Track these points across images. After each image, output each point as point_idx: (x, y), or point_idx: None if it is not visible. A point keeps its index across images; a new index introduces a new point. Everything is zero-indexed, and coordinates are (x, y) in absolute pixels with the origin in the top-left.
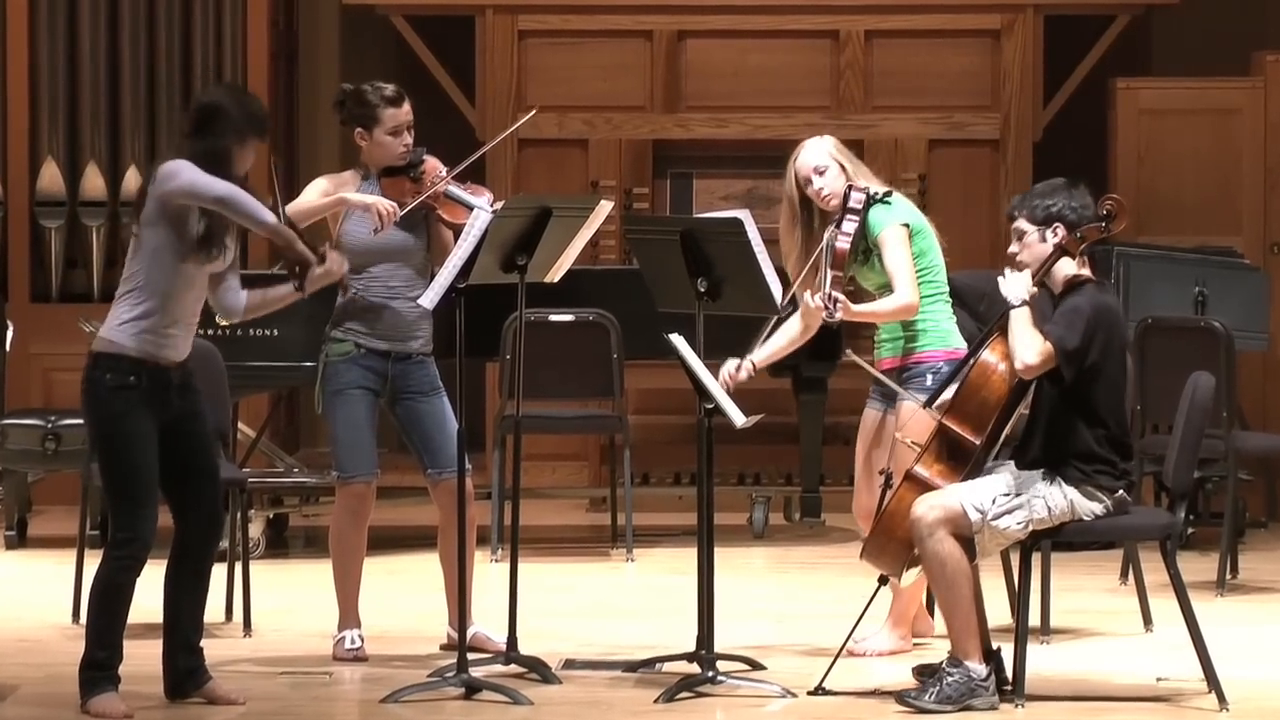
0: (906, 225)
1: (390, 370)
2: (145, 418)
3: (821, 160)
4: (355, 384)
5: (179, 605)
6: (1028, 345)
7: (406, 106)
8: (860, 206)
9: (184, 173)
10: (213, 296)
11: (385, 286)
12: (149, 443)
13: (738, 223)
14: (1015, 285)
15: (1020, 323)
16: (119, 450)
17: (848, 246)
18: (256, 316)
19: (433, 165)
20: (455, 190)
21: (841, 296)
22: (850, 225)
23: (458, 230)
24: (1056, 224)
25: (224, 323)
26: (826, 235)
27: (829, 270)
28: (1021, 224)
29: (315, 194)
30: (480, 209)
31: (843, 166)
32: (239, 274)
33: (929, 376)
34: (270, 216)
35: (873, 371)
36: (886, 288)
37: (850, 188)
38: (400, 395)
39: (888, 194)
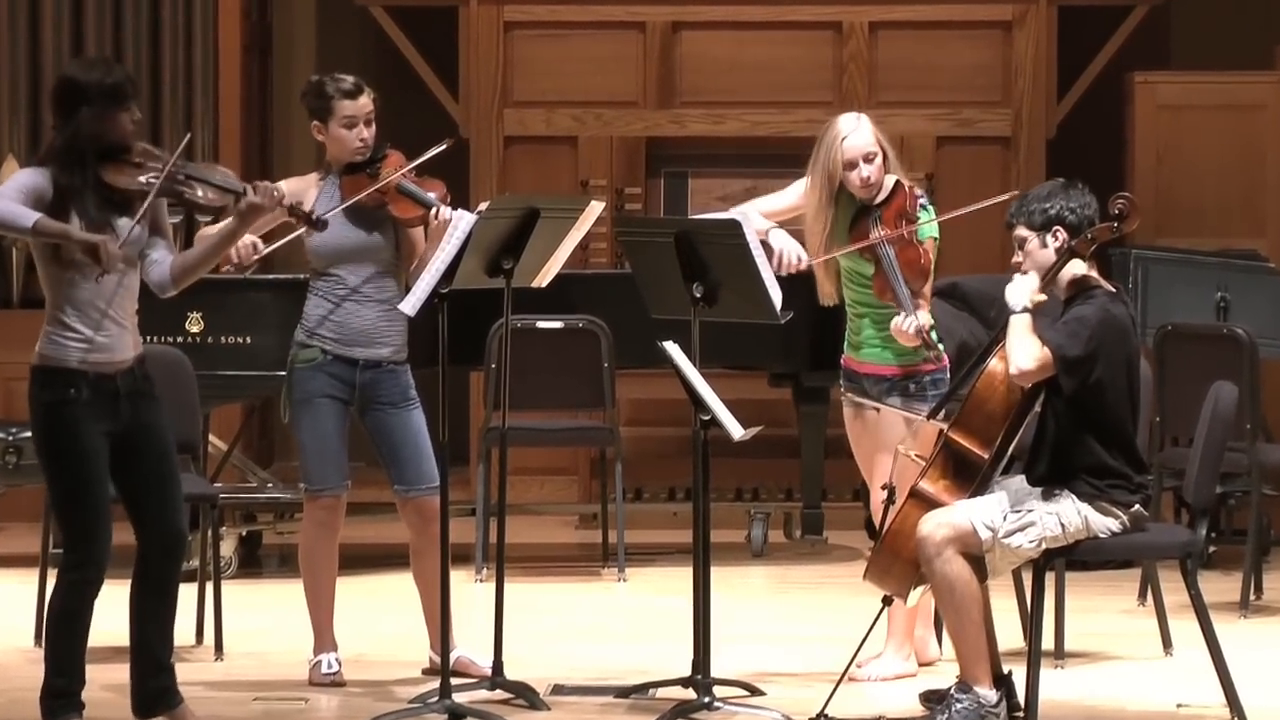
0: (936, 240)
1: (359, 379)
2: (89, 433)
3: (872, 145)
4: (321, 392)
5: (145, 626)
6: (1024, 351)
7: (364, 99)
8: (914, 212)
9: None
10: (145, 276)
11: (350, 289)
12: (95, 459)
13: (735, 224)
14: (1019, 290)
15: (1019, 328)
16: (63, 468)
17: (929, 259)
18: (191, 281)
19: (394, 160)
20: (408, 185)
21: (927, 333)
22: (911, 232)
23: (411, 227)
24: (1056, 227)
25: (163, 297)
26: (880, 240)
27: (905, 288)
28: (1021, 231)
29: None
30: (444, 211)
31: (885, 154)
32: (162, 245)
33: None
34: (24, 216)
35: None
36: (861, 277)
37: (900, 184)
38: (370, 405)
39: (924, 194)
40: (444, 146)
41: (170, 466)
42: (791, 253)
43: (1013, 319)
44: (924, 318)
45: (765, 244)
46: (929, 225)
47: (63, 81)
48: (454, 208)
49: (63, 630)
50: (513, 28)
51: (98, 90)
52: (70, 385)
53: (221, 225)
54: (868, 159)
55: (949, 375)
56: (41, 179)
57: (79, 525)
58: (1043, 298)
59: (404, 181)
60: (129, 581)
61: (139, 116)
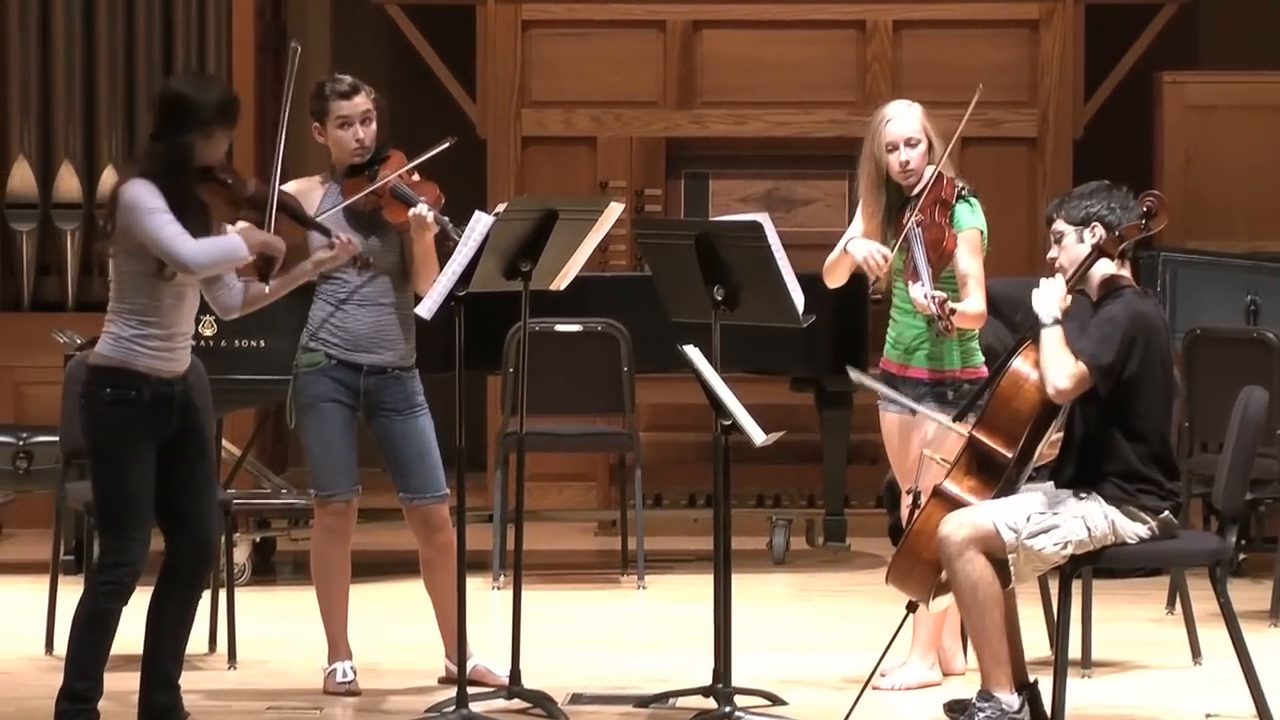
0: (981, 232)
1: (363, 385)
2: (145, 436)
3: (916, 132)
4: (327, 396)
5: (160, 636)
6: (1059, 368)
7: (359, 99)
8: (953, 201)
9: (143, 217)
10: (209, 293)
11: (355, 293)
12: (147, 463)
13: (757, 226)
14: (1047, 300)
15: (1051, 343)
16: (115, 468)
17: (955, 244)
18: (256, 308)
19: (395, 162)
20: (402, 187)
21: (951, 304)
22: (944, 218)
23: (404, 230)
24: (1095, 224)
25: (226, 319)
26: (911, 222)
27: (928, 266)
28: (1060, 225)
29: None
30: (419, 209)
31: (931, 144)
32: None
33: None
34: (243, 250)
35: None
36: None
37: (941, 175)
38: (375, 412)
39: (973, 192)
40: (445, 145)
41: (210, 476)
42: (874, 253)
43: (1044, 334)
44: (938, 293)
45: (848, 256)
46: (969, 217)
47: (174, 97)
48: (472, 210)
49: (89, 634)
50: (531, 26)
51: (209, 110)
52: (133, 387)
53: (297, 268)
54: (909, 144)
55: None
56: (157, 194)
57: (121, 526)
58: (1067, 302)
59: (399, 184)
60: (148, 592)
61: (233, 137)
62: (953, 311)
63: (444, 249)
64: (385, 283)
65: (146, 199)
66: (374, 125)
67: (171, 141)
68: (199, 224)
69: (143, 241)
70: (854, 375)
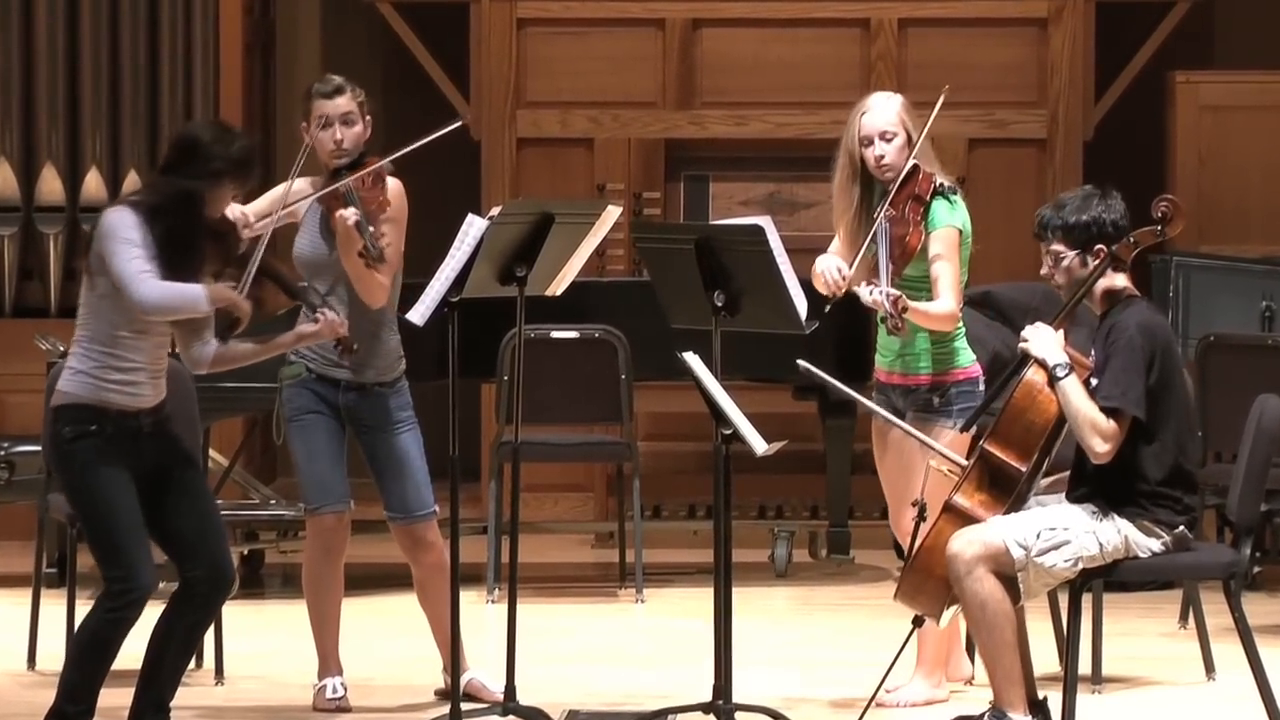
0: (960, 230)
1: (342, 400)
2: (114, 465)
3: (891, 125)
4: (309, 408)
5: (161, 658)
6: (1090, 430)
7: (341, 100)
8: (928, 197)
9: (112, 244)
10: (181, 343)
11: (323, 302)
12: (122, 485)
13: (758, 230)
14: (1047, 347)
15: (1075, 399)
16: (95, 501)
17: (919, 241)
18: (225, 369)
19: (366, 168)
20: (353, 193)
21: (906, 301)
22: (915, 214)
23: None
24: (1098, 246)
25: (194, 372)
26: (881, 217)
27: (889, 262)
28: (1059, 247)
29: (266, 202)
30: (344, 211)
31: (910, 138)
32: (213, 323)
33: (978, 392)
34: (203, 302)
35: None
36: (914, 287)
37: (918, 169)
38: (358, 428)
39: (953, 189)
40: (454, 127)
41: (209, 499)
42: (830, 269)
43: (1060, 389)
44: (891, 290)
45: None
46: (945, 214)
47: (193, 140)
48: (466, 213)
49: (88, 658)
50: (526, 25)
51: (228, 162)
52: (93, 421)
53: (279, 337)
54: (884, 137)
55: (982, 386)
56: (141, 227)
57: (118, 557)
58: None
59: (350, 189)
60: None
61: (239, 193)
62: (904, 310)
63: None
64: (348, 293)
65: (123, 228)
66: (358, 127)
67: (178, 182)
68: (188, 271)
69: (108, 269)
70: (803, 366)
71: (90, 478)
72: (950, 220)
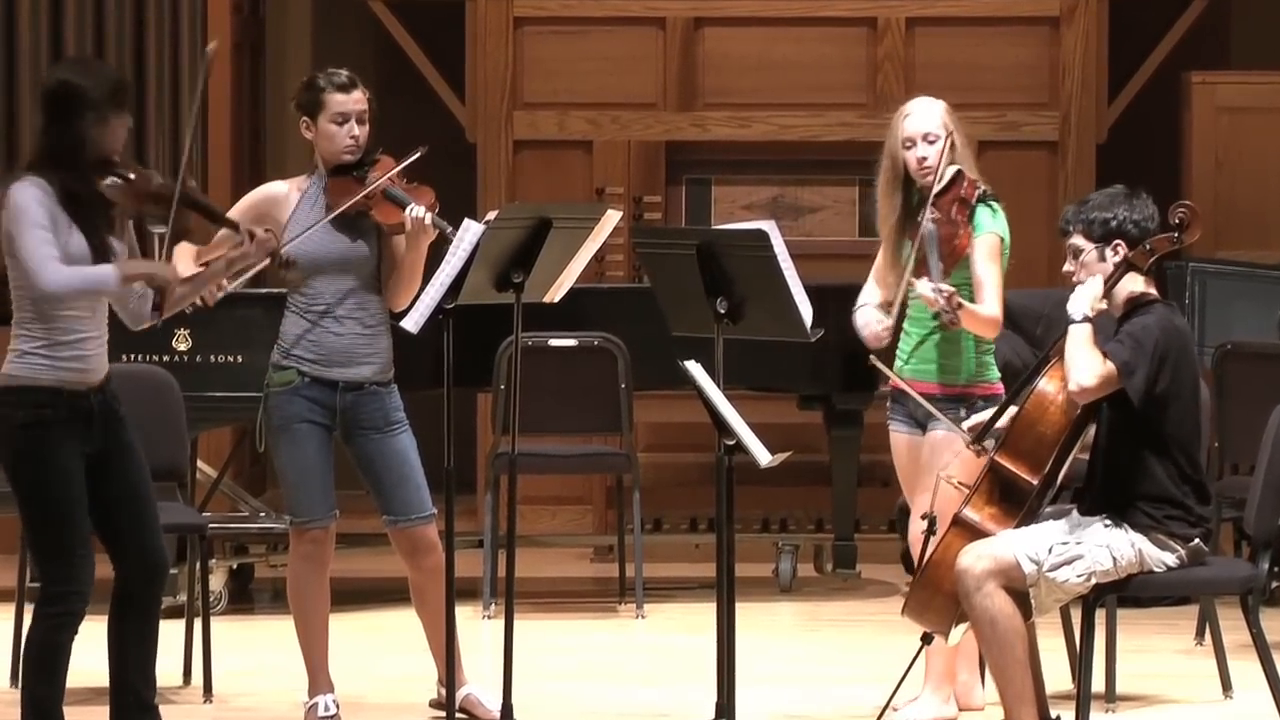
0: (1002, 239)
1: (340, 402)
2: (67, 453)
3: (935, 128)
4: (300, 417)
5: (126, 663)
6: (1084, 366)
7: (357, 94)
8: (973, 201)
9: (19, 228)
10: (116, 305)
11: (328, 305)
12: (74, 480)
13: (762, 235)
14: (1080, 298)
15: (1078, 340)
16: (41, 491)
17: (968, 243)
18: (171, 314)
19: (385, 165)
20: (396, 190)
21: (959, 298)
22: (961, 216)
23: (396, 234)
24: (1118, 241)
25: (135, 329)
26: (926, 219)
27: (939, 262)
28: (1078, 241)
29: (243, 207)
30: (412, 211)
31: (953, 143)
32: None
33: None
34: (111, 282)
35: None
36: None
37: (962, 173)
38: (353, 431)
39: (994, 196)
40: (417, 155)
41: (147, 489)
42: (871, 323)
43: (1072, 329)
44: (945, 286)
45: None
46: (989, 221)
47: (60, 85)
48: (461, 217)
49: (44, 670)
50: (523, 24)
51: (98, 95)
52: (45, 404)
53: (212, 262)
54: (927, 139)
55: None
56: (47, 198)
57: (61, 553)
58: (1104, 305)
59: (391, 186)
60: (105, 617)
61: (130, 124)
62: (959, 305)
63: (439, 254)
64: (363, 294)
65: (30, 209)
66: (367, 125)
67: (62, 131)
68: (99, 220)
69: (15, 254)
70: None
71: (43, 470)
72: (993, 227)
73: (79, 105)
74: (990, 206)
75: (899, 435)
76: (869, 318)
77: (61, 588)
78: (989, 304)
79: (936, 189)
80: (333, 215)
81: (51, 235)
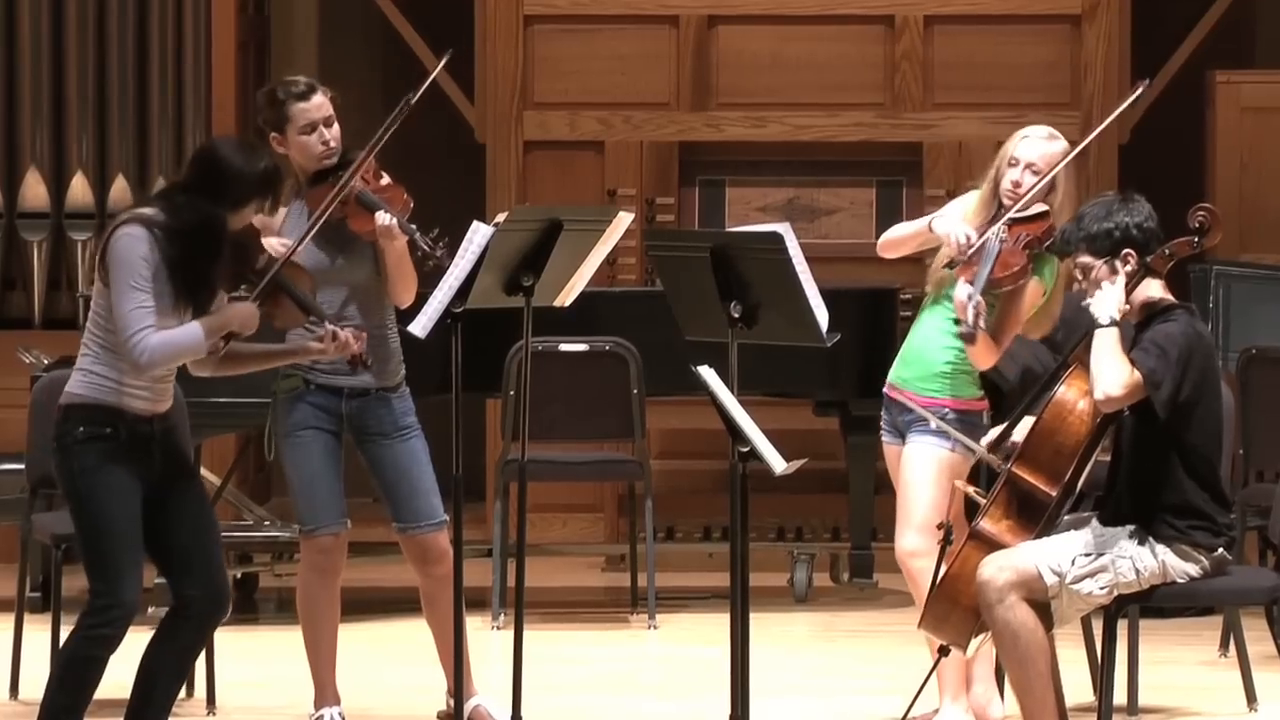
0: (1045, 293)
1: (345, 408)
2: (124, 472)
3: (1044, 161)
4: (306, 424)
5: (153, 685)
6: (1113, 374)
7: (318, 98)
8: (1044, 246)
9: (122, 283)
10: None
11: (329, 313)
12: (129, 496)
13: (777, 237)
14: (1105, 301)
15: (1106, 345)
16: (94, 506)
17: (1020, 269)
18: (228, 373)
19: (363, 166)
20: (367, 194)
21: (985, 319)
22: (1025, 253)
23: (370, 240)
24: (1127, 251)
25: (197, 375)
26: (994, 236)
27: (988, 275)
28: (1086, 260)
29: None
30: (383, 217)
31: (1053, 186)
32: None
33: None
34: (197, 341)
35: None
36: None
37: (1048, 215)
38: (362, 437)
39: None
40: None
41: (210, 516)
42: (960, 232)
43: (1099, 333)
44: (981, 299)
45: (924, 233)
46: (1049, 272)
47: (221, 163)
48: (469, 220)
49: (71, 682)
50: (533, 22)
51: (253, 185)
52: (108, 424)
53: (279, 348)
54: (1032, 169)
55: (984, 419)
56: (153, 252)
57: (109, 567)
58: (1127, 306)
59: (363, 190)
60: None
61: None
62: (980, 328)
63: (422, 263)
64: (361, 300)
65: (134, 260)
66: (336, 125)
67: (201, 206)
68: (201, 290)
69: (111, 302)
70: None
71: (95, 483)
72: (1045, 280)
73: (229, 189)
74: (1052, 262)
75: (890, 447)
76: (960, 228)
77: (106, 601)
78: (1004, 344)
79: (1016, 213)
80: (313, 226)
81: (151, 294)
